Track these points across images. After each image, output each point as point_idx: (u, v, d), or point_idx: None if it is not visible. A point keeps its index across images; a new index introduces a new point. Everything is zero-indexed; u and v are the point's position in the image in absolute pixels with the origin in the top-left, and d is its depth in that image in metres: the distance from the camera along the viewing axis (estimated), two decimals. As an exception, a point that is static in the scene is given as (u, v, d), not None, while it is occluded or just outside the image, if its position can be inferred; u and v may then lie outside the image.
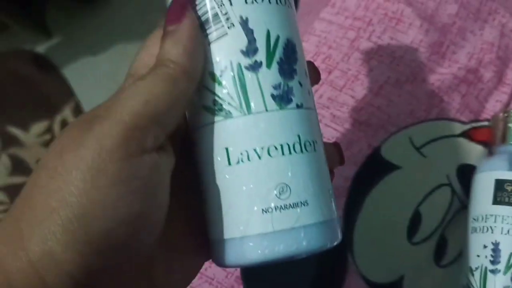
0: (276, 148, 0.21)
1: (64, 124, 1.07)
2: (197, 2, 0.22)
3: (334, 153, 0.26)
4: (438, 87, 0.41)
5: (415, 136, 0.40)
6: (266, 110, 0.21)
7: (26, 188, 0.20)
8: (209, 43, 0.22)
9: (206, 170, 0.22)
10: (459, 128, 0.41)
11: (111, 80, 1.09)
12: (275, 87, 0.21)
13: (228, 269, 0.37)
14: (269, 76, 0.21)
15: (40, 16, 1.10)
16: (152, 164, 0.20)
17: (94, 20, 1.14)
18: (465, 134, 0.41)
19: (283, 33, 0.22)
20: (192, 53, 0.21)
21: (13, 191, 1.04)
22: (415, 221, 0.39)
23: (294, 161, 0.21)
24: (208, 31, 0.22)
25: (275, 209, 0.21)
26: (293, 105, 0.22)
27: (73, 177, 0.18)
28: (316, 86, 0.41)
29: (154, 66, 0.21)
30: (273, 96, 0.21)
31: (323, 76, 0.41)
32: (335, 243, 0.22)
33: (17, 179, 1.05)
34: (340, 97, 0.41)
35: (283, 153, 0.21)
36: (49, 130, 1.07)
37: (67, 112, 1.08)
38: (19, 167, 1.05)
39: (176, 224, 0.23)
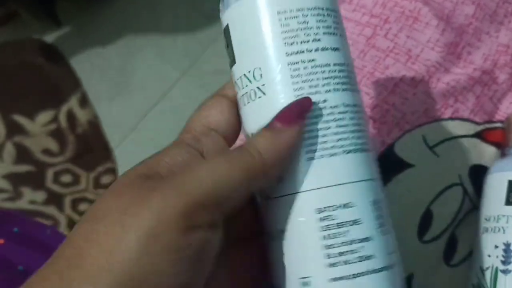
0: None
1: (70, 114, 1.07)
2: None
3: None
4: (453, 87, 0.41)
5: (429, 135, 0.40)
6: None
7: (76, 237, 0.20)
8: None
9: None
10: (472, 128, 0.41)
11: (119, 73, 1.09)
12: None
13: None
14: None
15: (51, 5, 1.11)
16: (204, 239, 0.20)
17: (105, 11, 1.14)
18: (479, 135, 0.41)
19: None
20: (282, 159, 0.21)
21: (17, 180, 1.04)
22: (426, 219, 0.39)
23: None
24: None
25: None
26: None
27: (130, 239, 0.19)
28: (331, 82, 0.41)
29: (240, 147, 0.21)
30: None
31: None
32: None
33: (21, 168, 1.05)
34: (355, 93, 0.41)
35: None
36: (55, 119, 1.07)
37: (73, 103, 1.08)
38: (24, 155, 1.05)
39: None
